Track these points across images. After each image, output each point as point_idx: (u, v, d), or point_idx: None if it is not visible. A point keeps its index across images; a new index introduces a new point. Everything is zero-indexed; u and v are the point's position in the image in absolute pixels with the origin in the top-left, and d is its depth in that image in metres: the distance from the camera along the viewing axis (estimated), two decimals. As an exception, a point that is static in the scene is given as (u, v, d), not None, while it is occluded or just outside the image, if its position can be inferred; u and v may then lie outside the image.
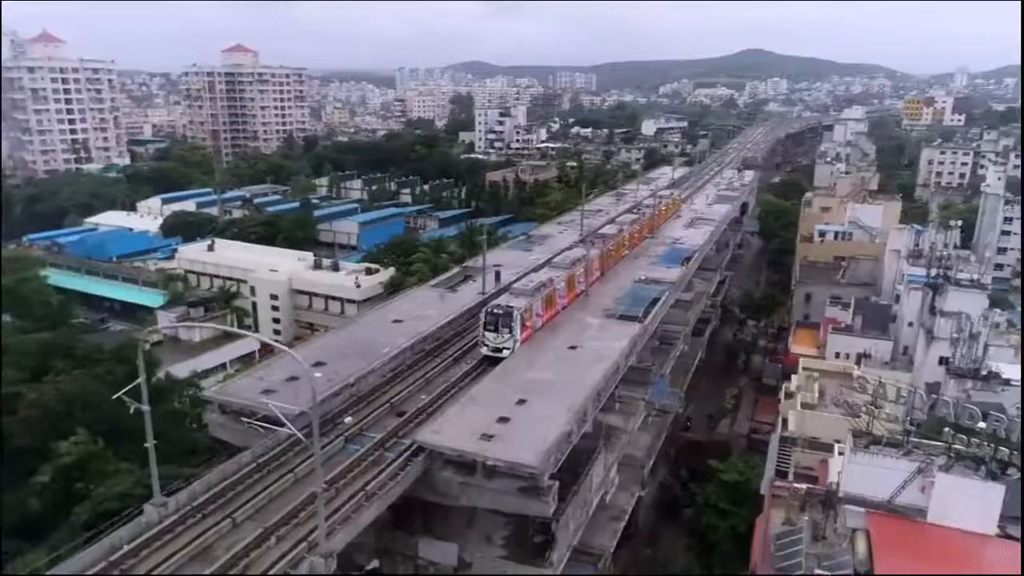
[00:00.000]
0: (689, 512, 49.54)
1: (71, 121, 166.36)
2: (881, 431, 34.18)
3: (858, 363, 55.70)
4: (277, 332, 78.83)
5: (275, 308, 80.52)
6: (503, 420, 29.28)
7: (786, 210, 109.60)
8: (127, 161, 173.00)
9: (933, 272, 60.21)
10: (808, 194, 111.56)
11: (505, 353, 37.19)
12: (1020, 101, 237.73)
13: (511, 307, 37.53)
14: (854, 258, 77.47)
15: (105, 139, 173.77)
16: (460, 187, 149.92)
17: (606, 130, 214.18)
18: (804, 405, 50.52)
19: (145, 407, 23.52)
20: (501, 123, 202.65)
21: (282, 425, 30.33)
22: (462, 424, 29.03)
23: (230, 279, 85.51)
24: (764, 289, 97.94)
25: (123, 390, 22.86)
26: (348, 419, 31.47)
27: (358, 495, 25.43)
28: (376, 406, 32.92)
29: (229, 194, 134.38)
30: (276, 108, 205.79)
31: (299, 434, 23.31)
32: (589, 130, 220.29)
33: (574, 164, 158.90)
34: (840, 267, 78.62)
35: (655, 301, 46.40)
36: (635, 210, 68.46)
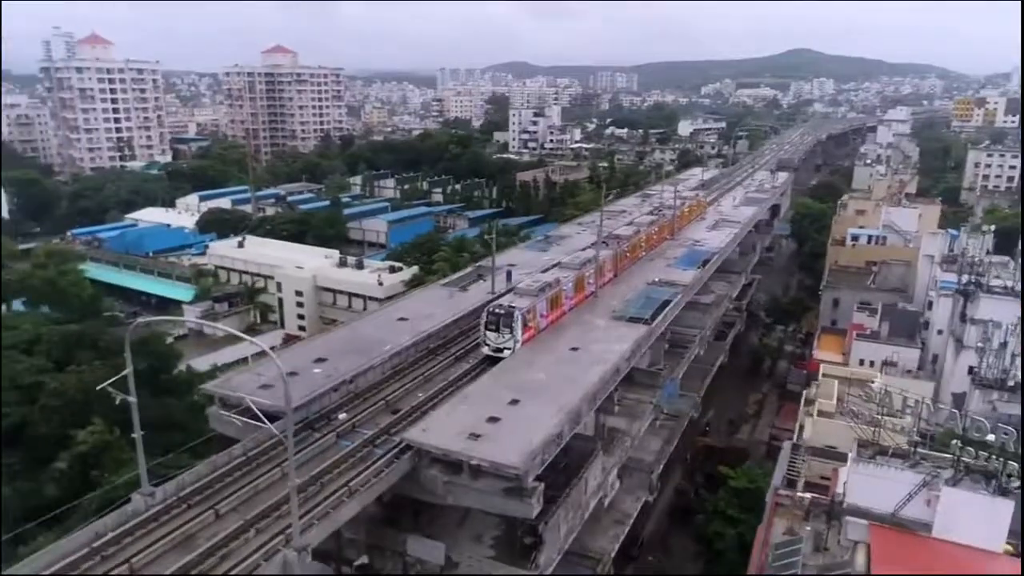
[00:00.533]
0: (700, 519, 48.79)
1: (116, 120, 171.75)
2: (889, 441, 33.18)
3: (881, 371, 54.21)
4: (302, 328, 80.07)
5: (300, 304, 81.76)
6: (493, 420, 29.17)
7: (821, 213, 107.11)
8: (169, 159, 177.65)
9: (965, 278, 58.27)
10: (844, 197, 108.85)
11: (506, 353, 37.08)
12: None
13: (512, 307, 37.42)
14: (885, 263, 75.27)
15: (148, 137, 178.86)
16: (491, 187, 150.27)
17: (641, 131, 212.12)
18: (820, 413, 49.39)
19: (131, 398, 24.08)
20: (535, 123, 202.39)
21: (273, 420, 30.93)
22: (451, 423, 29.01)
23: (258, 275, 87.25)
24: (795, 293, 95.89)
25: (112, 380, 23.35)
26: (343, 415, 31.72)
27: (340, 491, 25.56)
28: (372, 403, 33.10)
29: (264, 192, 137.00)
30: (314, 107, 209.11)
31: (273, 429, 23.54)
32: (624, 131, 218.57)
33: (606, 164, 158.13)
34: (871, 272, 76.53)
35: (665, 304, 45.75)
36: (656, 212, 67.61)
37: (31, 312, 71.42)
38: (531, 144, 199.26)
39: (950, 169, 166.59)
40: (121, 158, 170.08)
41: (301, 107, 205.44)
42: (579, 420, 30.89)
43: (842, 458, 39.50)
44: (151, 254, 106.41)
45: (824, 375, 55.00)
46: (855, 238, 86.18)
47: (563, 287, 42.60)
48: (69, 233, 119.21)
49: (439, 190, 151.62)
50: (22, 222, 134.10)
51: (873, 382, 50.62)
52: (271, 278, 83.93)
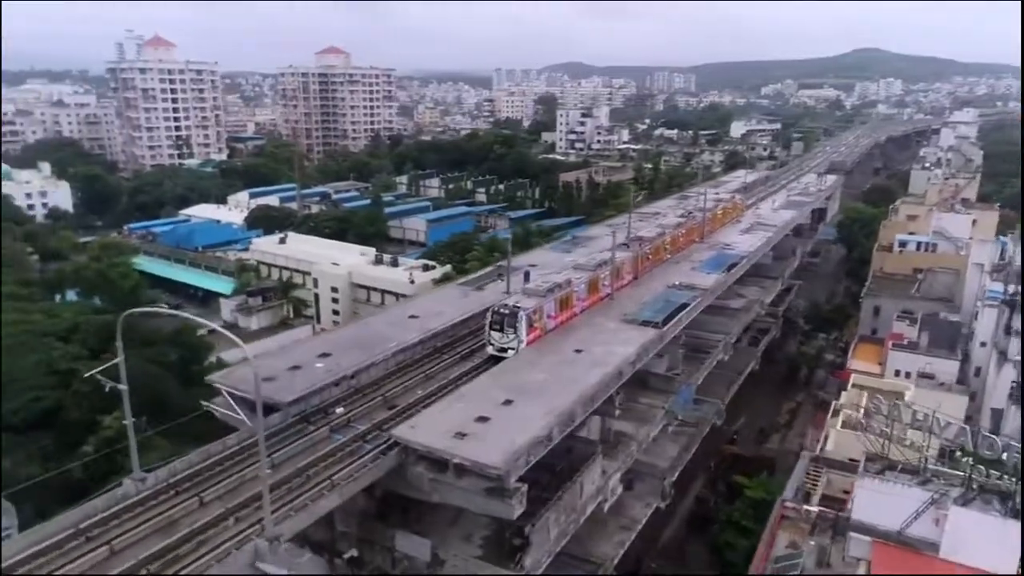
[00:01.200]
0: (716, 528, 47.78)
1: (176, 119, 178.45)
2: (899, 456, 31.89)
3: (915, 383, 51.98)
4: (336, 323, 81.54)
5: (335, 300, 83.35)
6: (482, 419, 29.11)
7: (872, 218, 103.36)
8: (224, 157, 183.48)
9: (1011, 288, 55.50)
10: (897, 201, 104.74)
11: (510, 353, 36.97)
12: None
13: (517, 307, 37.29)
14: (931, 270, 72.19)
15: (206, 136, 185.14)
16: (535, 187, 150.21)
17: (691, 132, 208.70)
18: (844, 424, 47.78)
19: (123, 386, 24.94)
20: (582, 124, 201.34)
21: (271, 412, 31.62)
22: (441, 421, 29.07)
23: (296, 271, 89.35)
24: (840, 301, 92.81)
25: (98, 367, 24.20)
26: (340, 409, 32.14)
27: (323, 484, 25.92)
28: (371, 398, 33.44)
29: (310, 190, 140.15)
30: (365, 107, 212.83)
31: (247, 420, 23.94)
32: (674, 132, 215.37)
33: (651, 166, 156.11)
34: (917, 280, 73.50)
35: (682, 307, 44.86)
36: (687, 214, 66.40)
37: (79, 302, 74.80)
38: (578, 145, 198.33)
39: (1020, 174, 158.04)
40: (179, 156, 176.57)
41: (352, 107, 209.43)
42: (571, 422, 30.55)
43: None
44: (200, 249, 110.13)
45: (853, 385, 53.18)
46: (903, 244, 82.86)
47: (574, 288, 42.21)
48: (126, 227, 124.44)
49: (483, 190, 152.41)
50: (84, 216, 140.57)
51: (904, 394, 48.95)
52: (308, 274, 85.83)
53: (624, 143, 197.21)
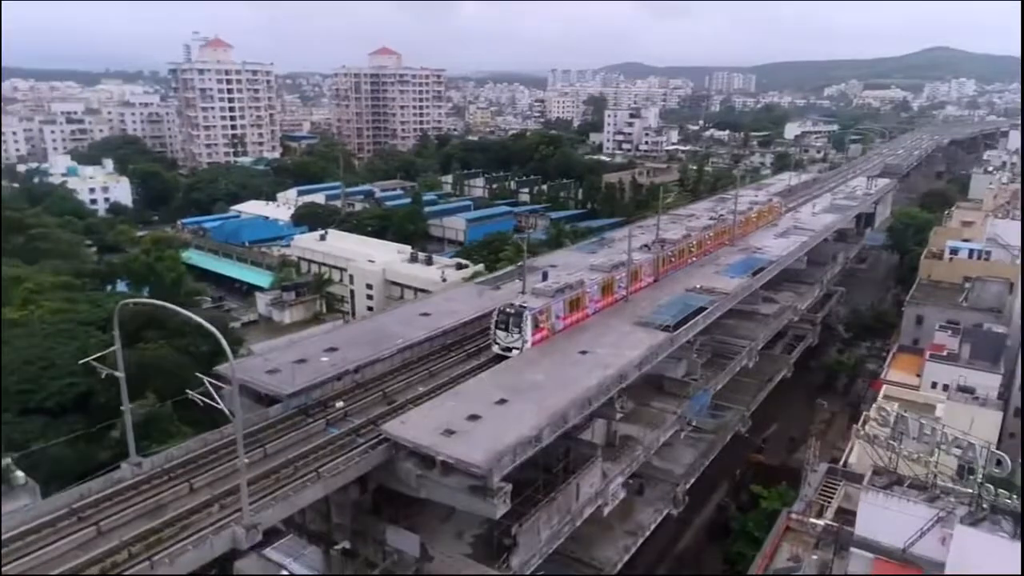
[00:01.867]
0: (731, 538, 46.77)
1: (231, 118, 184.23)
2: (907, 471, 30.62)
3: (949, 397, 49.71)
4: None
5: (370, 296, 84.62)
6: (474, 418, 29.17)
7: (925, 223, 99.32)
8: (277, 155, 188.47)
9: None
10: (953, 206, 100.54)
11: (514, 352, 36.96)
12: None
13: (523, 307, 37.23)
14: (980, 279, 68.92)
15: (260, 134, 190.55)
16: (578, 188, 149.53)
17: (742, 133, 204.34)
18: (865, 437, 46.22)
19: (120, 373, 25.90)
20: (630, 124, 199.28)
21: (272, 403, 32.38)
22: (432, 418, 29.24)
23: (334, 267, 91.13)
24: (886, 308, 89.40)
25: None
26: (340, 403, 32.67)
27: (309, 476, 26.41)
28: (372, 394, 33.88)
29: (356, 188, 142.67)
30: (415, 107, 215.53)
31: (227, 411, 24.53)
32: (726, 133, 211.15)
33: (696, 167, 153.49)
34: (964, 289, 70.29)
35: (697, 311, 43.99)
36: (716, 217, 65.08)
37: (126, 292, 77.93)
38: (625, 146, 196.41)
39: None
40: (234, 154, 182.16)
41: (402, 107, 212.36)
42: (564, 423, 30.31)
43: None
44: (247, 244, 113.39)
45: (884, 396, 51.28)
46: (954, 251, 79.35)
47: (586, 289, 41.89)
48: (179, 222, 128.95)
49: (526, 190, 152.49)
50: (143, 211, 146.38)
51: (935, 408, 46.93)
52: (344, 270, 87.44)
53: (672, 144, 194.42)
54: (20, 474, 39.76)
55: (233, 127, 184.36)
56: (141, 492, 25.51)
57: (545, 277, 48.63)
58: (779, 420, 65.78)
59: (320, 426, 30.69)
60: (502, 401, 30.88)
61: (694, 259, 55.41)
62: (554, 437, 29.78)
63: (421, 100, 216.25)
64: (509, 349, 37.20)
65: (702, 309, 44.84)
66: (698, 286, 48.71)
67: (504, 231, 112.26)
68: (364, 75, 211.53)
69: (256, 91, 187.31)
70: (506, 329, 37.16)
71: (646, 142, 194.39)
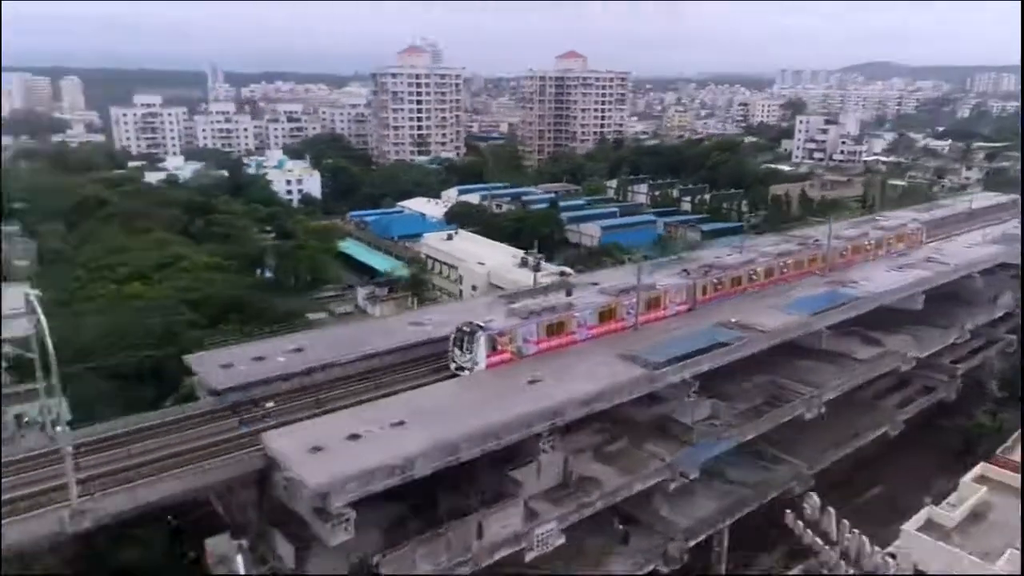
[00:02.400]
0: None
1: (418, 119, 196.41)
2: None
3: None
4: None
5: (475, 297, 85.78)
6: (354, 437, 28.30)
7: None
8: (454, 155, 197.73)
9: None
10: None
11: (466, 372, 35.32)
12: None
13: (478, 327, 35.37)
14: None
15: (443, 135, 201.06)
16: (743, 199, 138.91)
17: (963, 143, 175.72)
18: (928, 524, 38.24)
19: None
20: (824, 131, 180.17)
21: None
22: (315, 432, 28.81)
23: (451, 266, 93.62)
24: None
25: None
26: (270, 404, 33.47)
27: (175, 471, 27.39)
28: (309, 398, 34.25)
29: (508, 190, 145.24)
30: (596, 110, 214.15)
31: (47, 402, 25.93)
32: (947, 143, 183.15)
33: (898, 182, 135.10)
34: None
35: (713, 347, 38.73)
36: (810, 241, 56.69)
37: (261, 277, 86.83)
38: (817, 154, 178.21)
39: None
40: (418, 152, 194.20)
41: (583, 110, 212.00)
42: (451, 455, 28.21)
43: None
44: (396, 238, 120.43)
45: (981, 477, 41.99)
46: None
47: (575, 314, 38.75)
48: (348, 215, 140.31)
49: (688, 199, 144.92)
50: (330, 202, 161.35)
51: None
52: (456, 269, 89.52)
53: (875, 154, 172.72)
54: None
55: (419, 127, 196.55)
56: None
57: (569, 293, 45.92)
58: (885, 484, 56.19)
59: (232, 424, 31.67)
60: (399, 423, 29.58)
61: (755, 287, 48.77)
62: (435, 468, 27.88)
63: (603, 103, 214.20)
64: (462, 368, 35.60)
65: (722, 345, 39.42)
66: (735, 319, 42.83)
67: (644, 241, 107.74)
68: (549, 78, 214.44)
69: (443, 93, 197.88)
70: (461, 348, 35.59)
71: (841, 151, 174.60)
